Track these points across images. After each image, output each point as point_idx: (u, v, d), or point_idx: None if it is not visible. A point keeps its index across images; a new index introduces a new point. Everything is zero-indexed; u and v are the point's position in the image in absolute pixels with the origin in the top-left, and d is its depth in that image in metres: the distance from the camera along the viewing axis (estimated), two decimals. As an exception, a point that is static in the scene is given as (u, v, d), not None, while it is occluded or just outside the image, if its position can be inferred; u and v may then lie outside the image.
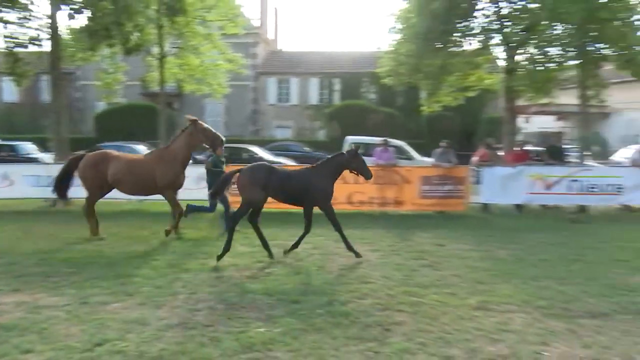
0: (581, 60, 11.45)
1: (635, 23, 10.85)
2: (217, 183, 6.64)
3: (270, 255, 6.47)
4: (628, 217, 10.49)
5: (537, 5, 11.19)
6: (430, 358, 3.65)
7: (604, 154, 24.23)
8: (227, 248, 6.18)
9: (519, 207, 10.85)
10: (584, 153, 12.97)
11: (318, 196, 6.49)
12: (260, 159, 15.55)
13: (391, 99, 27.96)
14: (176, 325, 4.19)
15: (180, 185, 7.88)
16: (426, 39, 11.88)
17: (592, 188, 10.63)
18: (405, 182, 10.63)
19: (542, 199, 10.91)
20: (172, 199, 7.75)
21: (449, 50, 12.60)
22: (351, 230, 7.97)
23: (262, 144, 22.50)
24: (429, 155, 13.97)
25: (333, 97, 30.87)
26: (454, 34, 12.38)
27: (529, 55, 12.33)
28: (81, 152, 8.18)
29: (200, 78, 14.97)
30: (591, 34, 11.07)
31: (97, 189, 7.69)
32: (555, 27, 11.56)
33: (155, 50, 14.03)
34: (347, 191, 10.39)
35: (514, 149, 12.15)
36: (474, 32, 12.64)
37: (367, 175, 6.67)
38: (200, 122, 7.73)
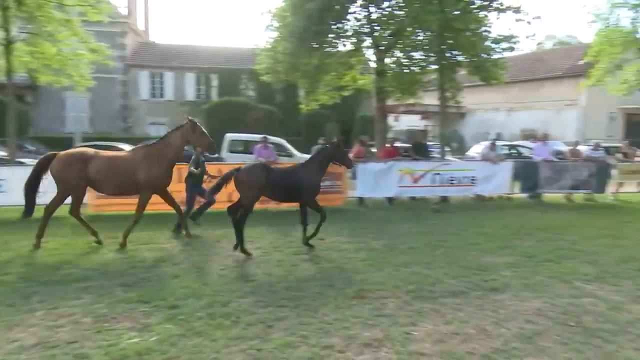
0: (440, 65, 12.69)
1: (484, 34, 12.34)
2: (217, 182, 6.75)
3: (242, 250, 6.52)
4: (481, 205, 11.90)
5: (402, 12, 12.13)
6: (311, 349, 3.76)
7: (461, 149, 27.16)
8: (241, 244, 6.50)
9: (390, 199, 11.67)
10: (445, 149, 14.41)
11: (306, 191, 6.82)
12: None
13: (270, 96, 28.12)
14: (32, 346, 3.74)
15: (165, 186, 7.38)
16: (301, 39, 12.17)
17: (452, 180, 11.86)
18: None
19: (410, 191, 11.87)
20: (144, 202, 7.18)
21: (325, 50, 13.07)
22: (231, 229, 7.87)
23: (134, 141, 21.00)
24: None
25: (211, 93, 30.06)
26: (329, 35, 12.87)
27: (396, 58, 13.34)
28: (51, 152, 7.23)
29: (59, 68, 13.45)
30: (448, 41, 12.34)
31: (71, 190, 6.96)
32: (418, 34, 12.66)
33: (0, 34, 12.28)
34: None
35: (385, 145, 13.04)
36: (347, 34, 13.28)
37: (349, 164, 7.38)
38: (198, 124, 7.38)
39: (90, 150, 7.25)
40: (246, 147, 15.28)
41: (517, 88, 34.94)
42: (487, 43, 11.99)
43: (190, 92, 30.17)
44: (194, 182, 8.21)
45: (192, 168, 8.11)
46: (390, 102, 15.26)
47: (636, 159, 13.94)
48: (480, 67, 12.12)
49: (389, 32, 12.44)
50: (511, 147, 20.37)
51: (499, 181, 12.17)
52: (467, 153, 21.68)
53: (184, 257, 6.47)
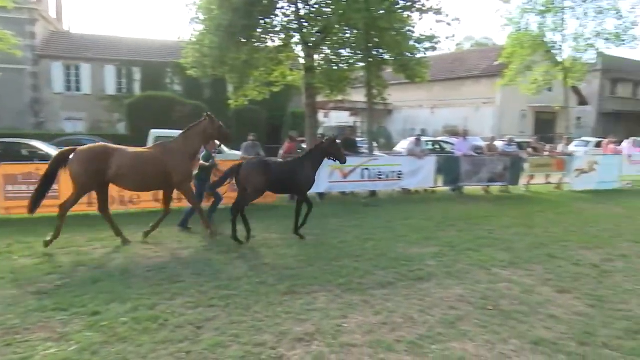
0: (367, 63, 12.98)
1: (408, 34, 12.78)
2: (221, 176, 7.20)
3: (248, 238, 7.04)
4: (407, 198, 12.37)
5: (329, 10, 12.24)
6: (243, 348, 3.72)
7: (388, 145, 28.09)
8: (235, 237, 6.93)
9: (321, 195, 11.80)
10: (373, 145, 14.79)
11: (302, 184, 7.32)
12: (47, 155, 13.49)
13: (198, 91, 27.30)
14: None
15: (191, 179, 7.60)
16: (229, 33, 11.91)
17: (380, 175, 12.22)
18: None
19: (340, 186, 12.08)
20: (190, 192, 7.46)
21: (253, 45, 12.89)
22: (159, 229, 7.57)
23: (47, 138, 19.52)
24: (237, 149, 14.13)
25: (133, 87, 28.62)
26: (257, 30, 12.70)
27: (325, 55, 13.45)
28: (69, 147, 7.02)
29: (-45, 57, 12.15)
30: (374, 40, 12.65)
31: (92, 187, 6.89)
32: (346, 32, 12.86)
33: None
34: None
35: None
36: (275, 29, 13.18)
37: (342, 160, 7.70)
38: (214, 117, 7.62)
39: (112, 146, 7.20)
40: (172, 144, 14.73)
41: (440, 86, 36.68)
42: (411, 42, 12.45)
43: (110, 86, 28.48)
44: (203, 177, 8.07)
45: (202, 162, 8.04)
46: (319, 98, 15.40)
47: (544, 153, 15.13)
48: (405, 65, 12.56)
49: (317, 29, 12.51)
50: (435, 142, 21.37)
51: (424, 175, 12.72)
52: (394, 149, 22.43)
53: (106, 260, 6.13)
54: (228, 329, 4.04)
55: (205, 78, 13.33)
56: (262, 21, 12.68)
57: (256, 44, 13.01)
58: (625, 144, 16.00)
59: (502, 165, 13.30)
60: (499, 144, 15.38)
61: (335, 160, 7.76)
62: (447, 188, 13.19)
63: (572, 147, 17.66)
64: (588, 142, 25.81)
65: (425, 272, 5.69)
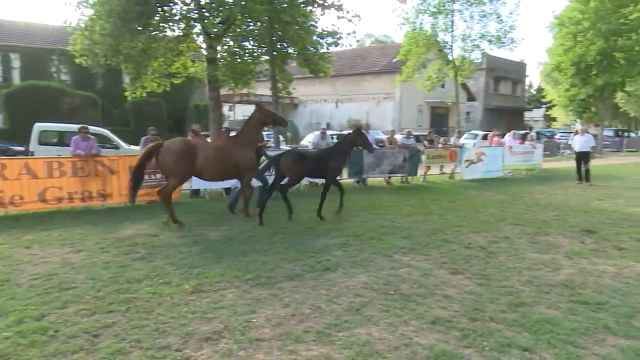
0: (271, 56, 12.95)
1: (311, 28, 12.94)
2: (263, 165, 8.42)
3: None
4: (313, 191, 12.57)
5: (231, 0, 11.98)
6: (145, 353, 3.54)
7: (295, 139, 28.25)
8: (291, 208, 8.26)
9: (228, 190, 11.57)
10: (279, 138, 14.81)
11: (332, 172, 8.44)
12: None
13: (89, 82, 25.25)
14: None
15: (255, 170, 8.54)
16: (123, 19, 11.13)
17: (286, 169, 12.25)
18: (111, 172, 9.86)
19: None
20: (249, 181, 8.47)
21: (151, 34, 12.19)
22: (47, 232, 6.93)
23: None
24: (136, 143, 13.32)
25: (11, 75, 25.70)
26: (155, 18, 12.03)
27: (228, 47, 13.16)
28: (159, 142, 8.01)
29: None
30: (278, 33, 12.64)
31: (185, 177, 8.05)
32: (249, 24, 12.68)
33: None
34: (38, 187, 8.91)
35: (223, 135, 12.81)
36: (175, 18, 12.58)
37: (370, 149, 9.10)
38: (264, 107, 8.56)
39: (194, 140, 8.47)
40: (61, 139, 13.50)
41: (343, 81, 37.70)
42: (314, 37, 12.63)
43: (-18, 74, 25.32)
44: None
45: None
46: (224, 91, 15.05)
47: (439, 145, 16.25)
48: (309, 60, 12.73)
49: (219, 19, 12.18)
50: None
51: (330, 168, 12.99)
52: (301, 142, 22.65)
53: (-19, 269, 5.46)
54: (129, 334, 3.82)
55: (97, 68, 12.32)
56: (159, 9, 12.04)
57: (154, 33, 12.32)
58: (507, 137, 17.73)
59: (402, 157, 14.04)
60: (398, 137, 16.21)
61: (364, 149, 9.08)
62: (351, 180, 13.63)
63: (462, 140, 19.21)
64: (476, 135, 28.23)
65: (332, 262, 5.84)
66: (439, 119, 38.88)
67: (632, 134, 40.59)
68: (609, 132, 35.22)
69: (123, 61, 12.29)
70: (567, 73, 32.98)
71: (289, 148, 15.50)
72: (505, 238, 7.15)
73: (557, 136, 36.07)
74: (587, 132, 15.23)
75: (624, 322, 4.09)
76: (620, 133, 36.97)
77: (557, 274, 5.42)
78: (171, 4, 12.37)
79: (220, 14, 11.75)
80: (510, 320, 4.15)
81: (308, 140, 19.87)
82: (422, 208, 9.79)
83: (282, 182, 8.30)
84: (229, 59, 12.83)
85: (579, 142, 14.68)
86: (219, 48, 13.01)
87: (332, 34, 12.84)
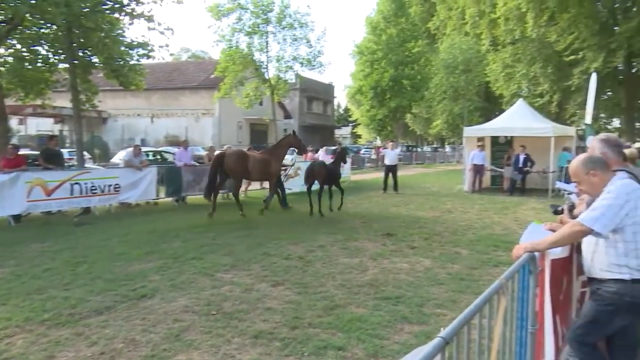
0: (71, 64, 11.58)
1: (119, 38, 12.00)
2: (306, 175, 11.31)
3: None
4: (127, 213, 11.61)
5: (18, -2, 10.39)
6: None
7: (104, 156, 25.74)
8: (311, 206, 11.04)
9: (17, 217, 9.89)
10: (83, 156, 13.30)
11: (337, 179, 11.49)
12: None
13: None
14: None
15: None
16: None
17: (93, 189, 11.07)
18: None
19: (44, 205, 10.38)
20: (275, 184, 11.69)
21: None
22: None
23: None
24: None
25: None
26: None
27: (15, 50, 11.34)
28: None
29: None
30: (80, 40, 11.38)
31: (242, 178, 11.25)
32: (42, 26, 11.14)
33: None
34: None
35: (8, 153, 10.92)
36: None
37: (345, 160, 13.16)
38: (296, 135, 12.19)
39: (246, 152, 11.51)
40: None
41: (159, 95, 35.96)
42: (122, 47, 11.74)
43: None
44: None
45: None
46: (11, 101, 12.88)
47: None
48: (117, 71, 11.76)
49: (1, 17, 10.40)
50: (156, 152, 20.80)
51: (145, 187, 12.19)
52: (111, 160, 20.74)
53: None
54: None
55: None
56: None
57: None
58: (321, 153, 19.18)
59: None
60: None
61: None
62: (170, 199, 12.99)
63: (287, 156, 20.09)
64: (294, 151, 29.75)
65: (149, 288, 5.43)
66: (259, 135, 39.94)
67: (419, 149, 48.08)
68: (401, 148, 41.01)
69: None
70: (368, 96, 37.46)
71: (98, 167, 14.04)
72: (320, 247, 7.64)
73: (362, 151, 40.51)
74: (396, 148, 17.39)
75: (417, 311, 4.72)
76: (410, 148, 43.43)
77: (365, 275, 6.00)
78: None
79: (3, 11, 10.06)
80: (326, 323, 4.41)
81: (120, 158, 18.26)
82: (244, 223, 9.85)
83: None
84: (15, 63, 11.03)
85: (389, 156, 16.64)
86: (2, 50, 11.11)
87: (143, 45, 12.12)
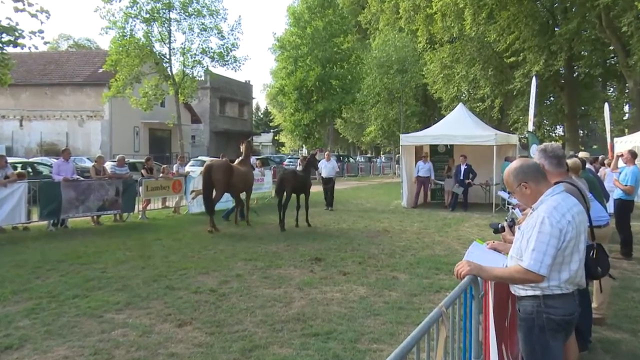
0: None
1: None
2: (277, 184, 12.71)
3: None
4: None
5: None
6: None
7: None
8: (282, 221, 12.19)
9: None
10: None
11: (308, 189, 13.06)
12: None
13: None
14: None
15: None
16: None
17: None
18: None
19: None
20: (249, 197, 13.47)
21: None
22: None
23: None
24: None
25: None
26: None
27: None
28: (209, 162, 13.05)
29: None
30: None
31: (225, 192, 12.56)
32: None
33: None
34: None
35: None
36: None
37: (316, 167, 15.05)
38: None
39: (229, 163, 12.83)
40: None
41: (30, 93, 33.97)
42: (-19, 32, 10.99)
43: None
44: None
45: None
46: None
47: (160, 174, 16.14)
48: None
49: None
50: (26, 164, 19.44)
51: (11, 208, 11.36)
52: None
53: None
54: None
55: None
56: None
57: None
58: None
59: (114, 190, 13.37)
60: (109, 165, 15.43)
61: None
62: (45, 222, 12.22)
63: (188, 168, 19.62)
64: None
65: (15, 337, 5.04)
66: (160, 143, 38.83)
67: (351, 159, 49.13)
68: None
69: None
70: (291, 97, 37.84)
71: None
72: (237, 276, 7.54)
73: (286, 161, 40.66)
74: (331, 159, 17.61)
75: (350, 348, 4.79)
76: (342, 158, 44.22)
77: (290, 309, 6.00)
78: None
79: None
80: (244, 368, 4.34)
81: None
82: (141, 251, 9.49)
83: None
84: None
85: (326, 169, 16.81)
86: None
87: (9, 30, 11.41)
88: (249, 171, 12.95)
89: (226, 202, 14.40)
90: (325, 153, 18.47)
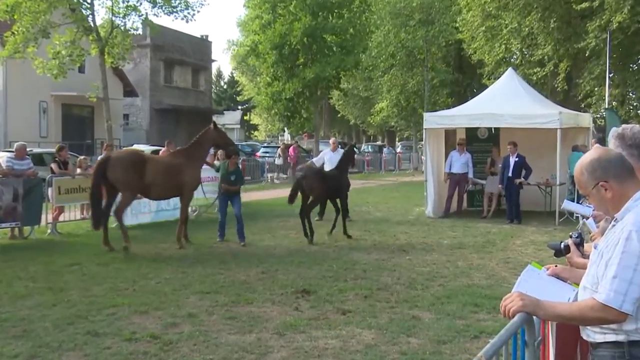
0: None
1: None
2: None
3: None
4: None
5: None
6: None
7: None
8: (311, 232, 12.98)
9: None
10: None
11: (344, 191, 14.55)
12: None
13: None
14: None
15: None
16: None
17: None
18: None
19: None
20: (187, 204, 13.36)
21: None
22: None
23: None
24: None
25: None
26: None
27: None
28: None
29: None
30: None
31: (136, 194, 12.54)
32: None
33: None
34: None
35: None
36: None
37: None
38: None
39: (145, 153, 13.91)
40: None
41: None
42: None
43: None
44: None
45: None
46: None
47: (77, 170, 16.06)
48: None
49: None
50: None
51: None
52: None
53: None
54: None
55: None
56: None
57: None
58: (326, 151, 18.93)
59: (12, 194, 13.31)
60: (4, 157, 15.35)
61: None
62: None
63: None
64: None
65: None
66: (79, 126, 38.71)
67: (356, 149, 48.94)
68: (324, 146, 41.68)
69: None
70: (268, 60, 37.54)
71: None
72: (190, 316, 7.55)
73: (260, 152, 40.55)
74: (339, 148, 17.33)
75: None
76: (341, 147, 44.06)
77: (265, 363, 6.01)
78: None
79: None
80: None
81: None
82: (50, 281, 9.49)
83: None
84: None
85: (332, 161, 15.94)
86: None
87: None
88: (184, 165, 12.42)
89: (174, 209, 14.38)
90: (331, 141, 18.45)
